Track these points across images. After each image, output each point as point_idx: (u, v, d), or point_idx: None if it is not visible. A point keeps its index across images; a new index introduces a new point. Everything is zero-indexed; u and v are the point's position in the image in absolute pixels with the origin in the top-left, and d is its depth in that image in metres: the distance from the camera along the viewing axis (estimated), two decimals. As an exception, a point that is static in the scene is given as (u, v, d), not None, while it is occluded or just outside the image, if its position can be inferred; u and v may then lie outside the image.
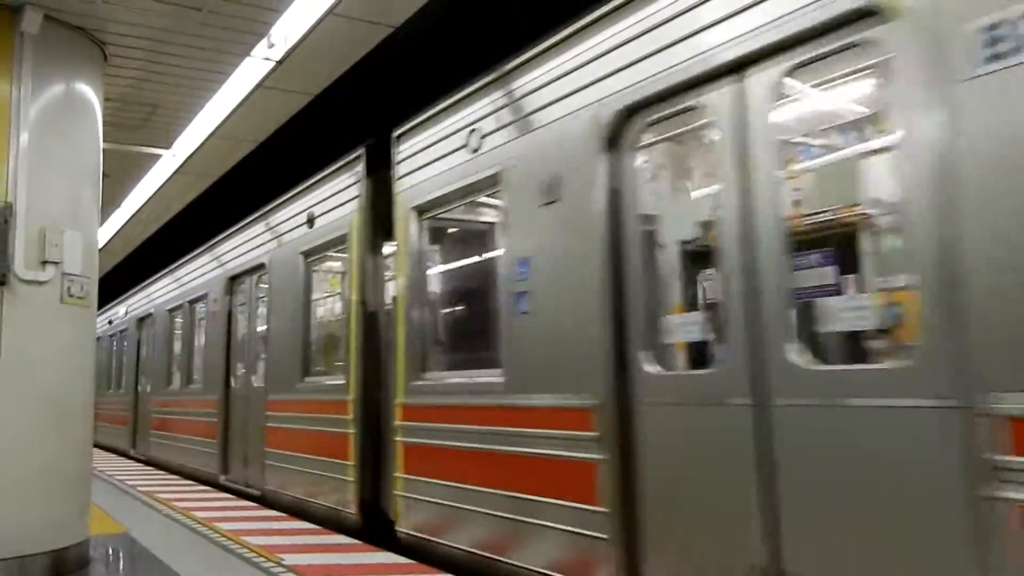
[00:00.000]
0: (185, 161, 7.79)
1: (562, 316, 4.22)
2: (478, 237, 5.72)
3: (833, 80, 3.42)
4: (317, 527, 6.41)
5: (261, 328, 8.62)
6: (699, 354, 3.77)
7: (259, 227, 8.85)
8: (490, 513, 4.61)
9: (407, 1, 4.96)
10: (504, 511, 4.49)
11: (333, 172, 7.09)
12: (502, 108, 4.94)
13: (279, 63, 5.62)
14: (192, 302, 11.21)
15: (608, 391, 3.85)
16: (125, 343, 15.24)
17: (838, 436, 2.90)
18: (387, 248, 6.40)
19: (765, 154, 3.29)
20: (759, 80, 3.35)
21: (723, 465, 3.33)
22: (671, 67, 3.70)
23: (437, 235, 5.92)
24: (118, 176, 8.08)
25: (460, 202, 5.42)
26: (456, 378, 5.36)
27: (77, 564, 4.82)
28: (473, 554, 4.71)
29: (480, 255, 5.78)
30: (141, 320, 13.98)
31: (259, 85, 5.99)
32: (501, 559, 4.48)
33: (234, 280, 9.59)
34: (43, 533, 4.62)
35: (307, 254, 7.53)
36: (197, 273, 11.05)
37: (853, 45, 3.01)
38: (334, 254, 7.25)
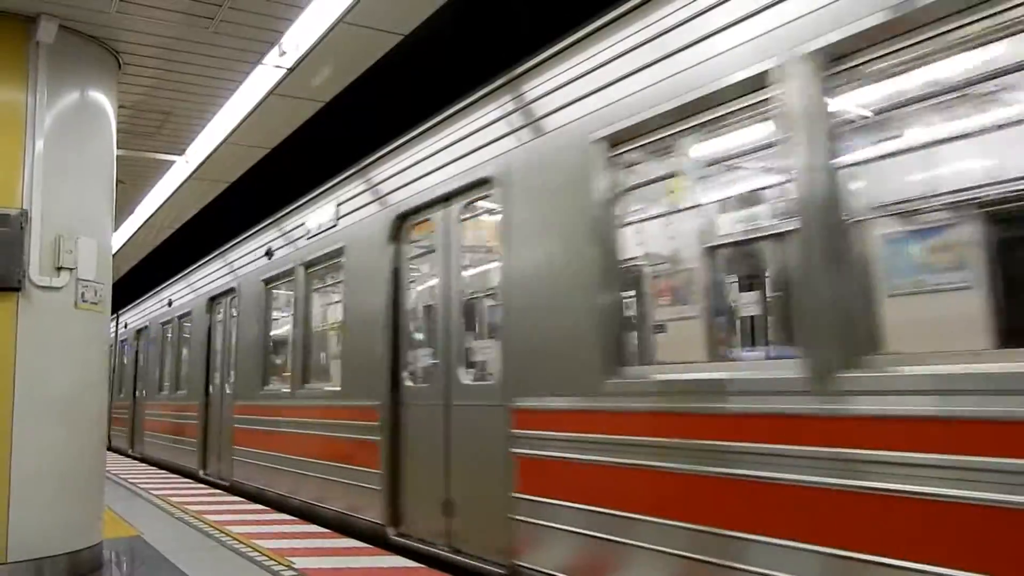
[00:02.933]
0: (198, 167, 7.86)
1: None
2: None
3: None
4: (328, 531, 6.46)
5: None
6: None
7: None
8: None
9: (416, 10, 5.01)
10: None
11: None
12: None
13: (290, 70, 5.68)
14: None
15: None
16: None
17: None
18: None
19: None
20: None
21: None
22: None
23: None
24: (132, 182, 8.16)
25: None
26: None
27: (91, 567, 4.88)
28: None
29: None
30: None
31: (271, 92, 6.06)
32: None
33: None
34: (57, 536, 4.68)
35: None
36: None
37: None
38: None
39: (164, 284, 14.14)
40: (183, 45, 5.29)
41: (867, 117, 3.32)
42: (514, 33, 7.35)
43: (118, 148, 5.51)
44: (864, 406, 2.87)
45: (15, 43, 4.82)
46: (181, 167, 7.91)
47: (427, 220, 6.02)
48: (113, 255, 5.57)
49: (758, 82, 3.37)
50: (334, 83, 6.09)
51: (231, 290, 10.28)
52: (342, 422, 6.80)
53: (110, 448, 15.22)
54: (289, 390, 8.11)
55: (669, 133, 3.91)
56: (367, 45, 5.42)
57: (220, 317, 10.87)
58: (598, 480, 4.02)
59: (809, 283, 3.12)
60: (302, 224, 8.21)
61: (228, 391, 10.03)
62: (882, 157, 3.39)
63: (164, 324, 13.68)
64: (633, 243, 4.42)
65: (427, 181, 5.90)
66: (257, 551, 5.52)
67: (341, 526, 6.47)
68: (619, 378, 3.97)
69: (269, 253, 8.97)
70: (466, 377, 5.41)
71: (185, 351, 12.54)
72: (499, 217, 5.09)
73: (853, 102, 3.28)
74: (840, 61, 3.10)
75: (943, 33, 2.82)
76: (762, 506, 3.20)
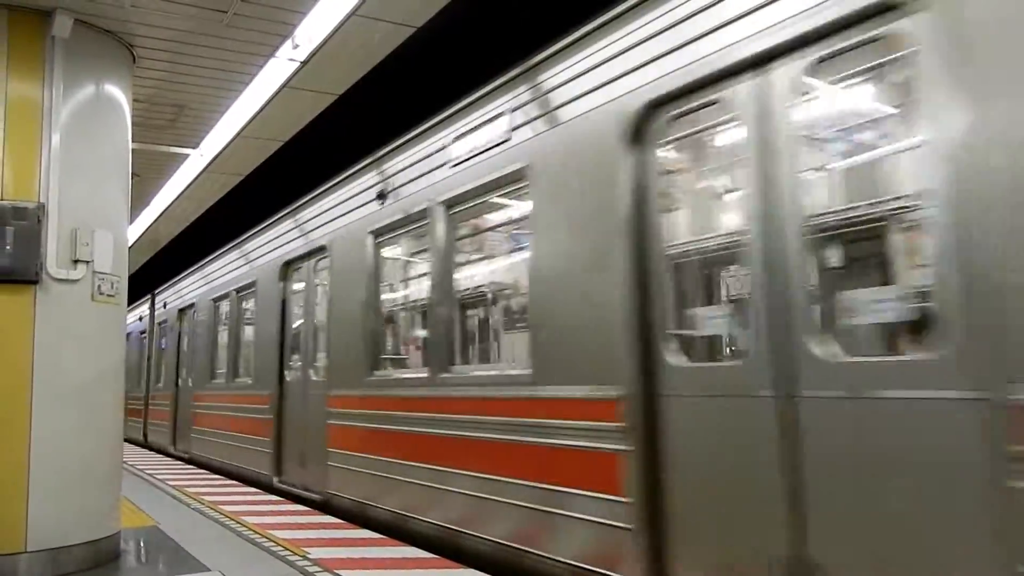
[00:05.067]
0: (212, 160, 7.90)
1: None
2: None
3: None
4: (342, 521, 6.49)
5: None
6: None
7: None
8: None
9: (429, 2, 5.00)
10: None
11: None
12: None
13: (304, 64, 5.69)
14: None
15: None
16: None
17: None
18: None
19: None
20: None
21: None
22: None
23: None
24: (147, 175, 8.21)
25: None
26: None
27: (109, 556, 4.94)
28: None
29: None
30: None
31: (284, 85, 6.07)
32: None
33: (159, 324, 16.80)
34: (76, 526, 4.74)
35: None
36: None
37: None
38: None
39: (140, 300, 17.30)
40: (197, 39, 5.31)
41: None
42: (528, 24, 7.32)
43: (133, 141, 5.55)
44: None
45: (31, 38, 4.85)
46: (195, 160, 7.96)
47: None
48: (129, 248, 5.61)
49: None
50: (348, 76, 6.09)
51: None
52: None
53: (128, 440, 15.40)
54: None
55: None
56: (380, 38, 5.41)
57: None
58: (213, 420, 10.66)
59: None
60: None
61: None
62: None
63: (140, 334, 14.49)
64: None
65: None
66: (272, 541, 5.56)
67: None
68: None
69: None
70: None
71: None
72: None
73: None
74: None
75: None
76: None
